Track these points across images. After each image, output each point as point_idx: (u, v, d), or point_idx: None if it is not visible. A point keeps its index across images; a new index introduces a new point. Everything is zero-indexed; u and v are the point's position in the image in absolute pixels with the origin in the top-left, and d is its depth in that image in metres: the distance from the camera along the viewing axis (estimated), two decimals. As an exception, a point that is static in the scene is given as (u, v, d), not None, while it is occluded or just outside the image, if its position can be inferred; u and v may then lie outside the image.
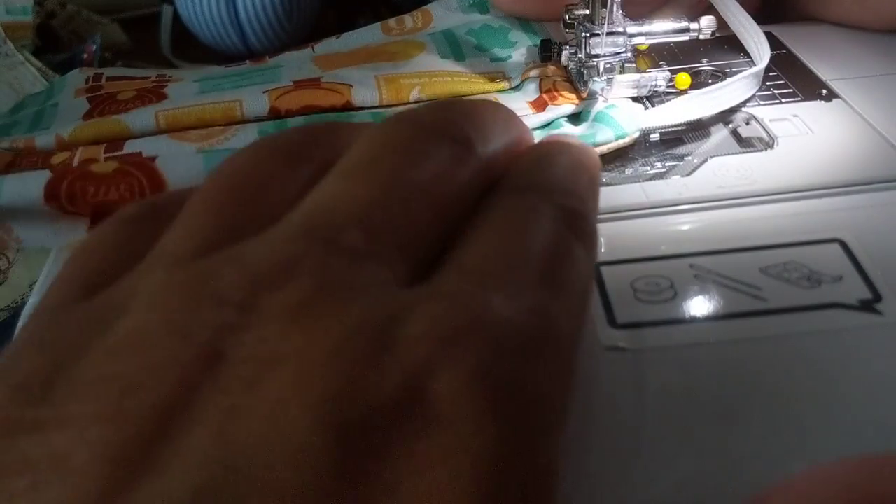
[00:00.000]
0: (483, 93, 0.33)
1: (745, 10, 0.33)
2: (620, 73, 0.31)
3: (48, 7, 0.49)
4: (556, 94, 0.32)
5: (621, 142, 0.29)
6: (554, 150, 0.18)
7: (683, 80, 0.31)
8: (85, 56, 0.45)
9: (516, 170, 0.18)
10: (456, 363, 0.12)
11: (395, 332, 0.13)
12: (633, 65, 0.32)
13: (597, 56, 0.30)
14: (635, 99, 0.31)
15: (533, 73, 0.34)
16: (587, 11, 0.30)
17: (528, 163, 0.18)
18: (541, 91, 0.33)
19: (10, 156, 0.31)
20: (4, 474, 0.11)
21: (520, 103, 0.32)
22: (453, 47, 0.37)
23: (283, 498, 0.11)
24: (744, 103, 0.31)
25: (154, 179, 0.28)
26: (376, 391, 0.12)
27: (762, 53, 0.32)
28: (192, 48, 0.51)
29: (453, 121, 0.17)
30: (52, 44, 0.48)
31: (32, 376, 0.13)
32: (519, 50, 0.36)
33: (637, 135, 0.29)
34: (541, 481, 0.12)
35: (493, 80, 0.34)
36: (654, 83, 0.31)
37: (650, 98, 0.31)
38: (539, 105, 0.32)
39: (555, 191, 0.17)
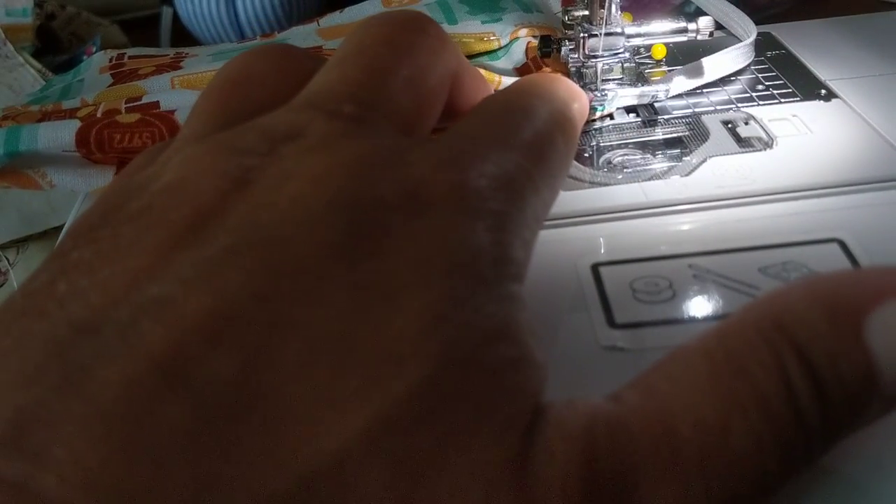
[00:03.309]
0: (474, 52, 0.35)
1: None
2: (621, 73, 0.31)
3: (48, 9, 0.49)
4: (542, 64, 0.33)
5: (600, 112, 0.30)
6: (548, 76, 0.22)
7: (659, 50, 0.32)
8: (85, 57, 0.45)
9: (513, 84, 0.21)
10: (448, 177, 0.15)
11: (397, 157, 0.16)
12: (632, 65, 0.32)
13: (595, 56, 0.31)
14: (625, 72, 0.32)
15: (522, 32, 0.35)
16: (586, 12, 0.31)
17: (525, 79, 0.21)
18: (527, 57, 0.33)
19: (40, 114, 0.33)
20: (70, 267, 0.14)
21: (506, 69, 0.33)
22: (446, 13, 0.38)
23: (300, 249, 0.13)
24: (728, 72, 0.31)
25: (173, 130, 0.30)
26: (381, 187, 0.15)
27: (748, 30, 0.34)
28: (191, 49, 0.51)
29: (429, 19, 0.20)
30: (51, 45, 0.48)
31: (83, 222, 0.15)
32: (509, 14, 0.37)
33: (614, 109, 0.31)
34: (497, 264, 0.15)
35: (482, 39, 0.35)
36: (654, 96, 0.31)
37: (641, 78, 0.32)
38: (525, 73, 0.33)
39: (542, 97, 0.20)
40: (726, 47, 0.33)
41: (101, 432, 0.11)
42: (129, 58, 0.41)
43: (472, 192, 0.15)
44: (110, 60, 0.40)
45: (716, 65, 0.32)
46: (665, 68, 0.32)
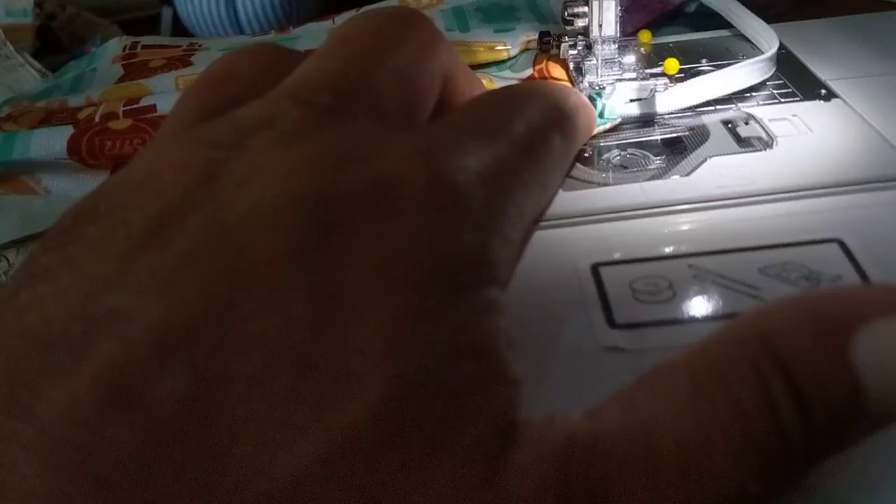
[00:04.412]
0: (483, 62, 0.35)
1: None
2: (620, 70, 0.31)
3: (48, 9, 0.49)
4: (546, 73, 0.33)
5: (602, 127, 0.30)
6: (554, 82, 0.21)
7: (672, 65, 0.32)
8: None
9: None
10: (424, 170, 0.14)
11: (371, 149, 0.15)
12: (632, 62, 0.32)
13: (594, 56, 0.31)
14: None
15: (533, 44, 0.35)
16: (585, 8, 0.31)
17: (527, 81, 0.21)
18: (533, 67, 0.33)
19: (43, 113, 0.34)
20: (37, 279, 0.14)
21: (512, 80, 0.33)
22: (460, 20, 0.38)
23: (259, 254, 0.13)
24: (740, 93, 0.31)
25: None
26: (351, 182, 0.14)
27: (770, 42, 0.33)
28: (192, 50, 0.51)
29: (421, 15, 0.19)
30: (52, 46, 0.48)
31: (56, 226, 0.15)
32: (523, 24, 0.37)
33: (618, 120, 0.30)
34: (473, 267, 0.14)
35: (492, 49, 0.35)
36: (653, 88, 0.31)
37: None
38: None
39: (542, 95, 0.19)
40: (726, 48, 0.33)
41: (47, 457, 0.11)
42: (143, 47, 0.41)
43: (449, 186, 0.15)
44: (124, 49, 0.41)
45: (727, 81, 0.31)
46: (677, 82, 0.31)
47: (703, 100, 0.31)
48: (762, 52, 0.32)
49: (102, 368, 0.12)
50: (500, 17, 0.38)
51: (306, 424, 0.12)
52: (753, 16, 0.35)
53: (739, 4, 0.36)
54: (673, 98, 0.30)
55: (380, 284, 0.13)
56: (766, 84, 0.32)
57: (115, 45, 0.42)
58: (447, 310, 0.13)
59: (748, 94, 0.32)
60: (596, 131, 0.29)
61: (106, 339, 0.12)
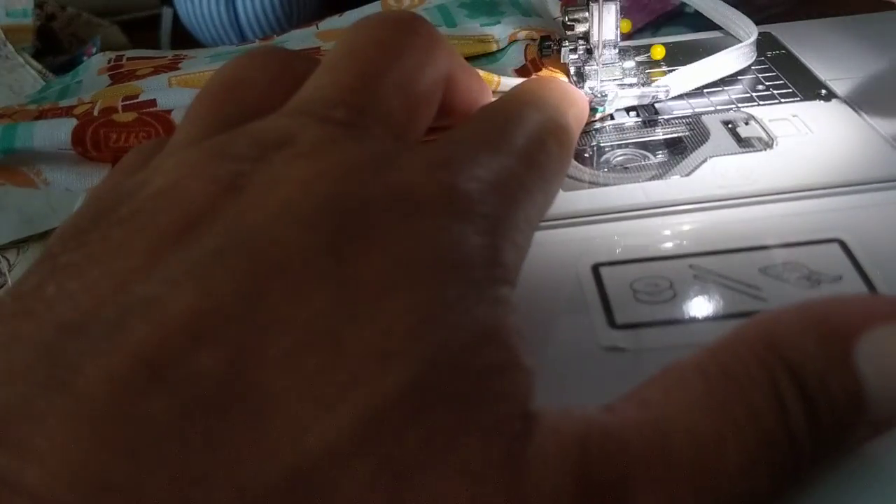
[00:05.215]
0: (472, 54, 0.35)
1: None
2: (621, 74, 0.31)
3: (48, 10, 0.49)
4: (541, 65, 0.33)
5: (596, 115, 0.30)
6: (545, 82, 0.22)
7: (659, 51, 0.32)
8: (85, 58, 0.45)
9: (510, 91, 0.21)
10: (438, 179, 0.15)
11: (387, 161, 0.16)
12: (632, 65, 0.32)
13: (594, 58, 0.31)
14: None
15: (521, 35, 0.35)
16: (585, 14, 0.31)
17: (521, 86, 0.21)
18: (526, 59, 0.34)
19: (36, 112, 0.34)
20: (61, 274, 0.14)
21: (506, 72, 0.33)
22: (445, 17, 0.39)
23: (288, 249, 0.14)
24: (730, 73, 0.31)
25: (170, 130, 0.30)
26: (371, 190, 0.15)
27: (748, 31, 0.34)
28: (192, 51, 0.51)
29: (422, 20, 0.19)
30: (52, 46, 0.48)
31: (72, 225, 0.15)
32: (508, 17, 0.37)
33: (612, 110, 0.31)
34: (488, 266, 0.15)
35: (481, 41, 0.35)
36: (654, 95, 0.31)
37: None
38: (524, 75, 0.33)
39: (536, 103, 0.20)
40: (725, 48, 0.33)
41: (84, 426, 0.11)
42: (128, 59, 0.41)
43: (463, 194, 0.15)
44: (109, 62, 0.41)
45: (717, 65, 0.32)
46: (665, 68, 0.32)
47: (689, 88, 0.32)
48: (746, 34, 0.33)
49: (139, 347, 0.12)
50: (484, 11, 0.38)
51: (337, 399, 0.12)
52: (733, 9, 0.36)
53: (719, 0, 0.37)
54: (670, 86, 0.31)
55: (402, 277, 0.14)
56: (766, 84, 0.32)
57: (100, 58, 0.42)
58: (467, 300, 0.14)
59: (747, 94, 0.32)
60: (596, 117, 0.30)
61: (140, 323, 0.13)
